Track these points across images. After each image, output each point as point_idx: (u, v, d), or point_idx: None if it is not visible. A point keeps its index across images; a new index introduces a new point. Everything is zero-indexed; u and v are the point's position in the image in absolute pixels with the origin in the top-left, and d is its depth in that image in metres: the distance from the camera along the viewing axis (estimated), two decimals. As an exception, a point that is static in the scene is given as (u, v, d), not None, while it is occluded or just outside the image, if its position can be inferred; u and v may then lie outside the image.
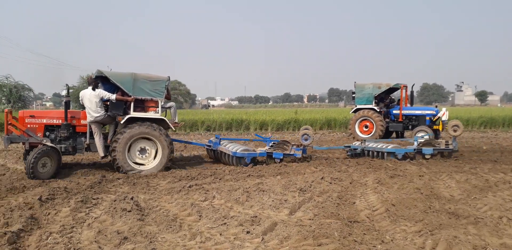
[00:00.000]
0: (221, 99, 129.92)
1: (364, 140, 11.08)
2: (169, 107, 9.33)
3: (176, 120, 9.43)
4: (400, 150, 9.88)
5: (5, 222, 4.70)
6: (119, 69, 8.86)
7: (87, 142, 8.27)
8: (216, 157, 10.16)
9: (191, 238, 4.29)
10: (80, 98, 8.30)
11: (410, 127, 15.08)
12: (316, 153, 11.44)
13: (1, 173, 8.38)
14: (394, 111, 15.61)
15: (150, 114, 8.48)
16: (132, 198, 5.77)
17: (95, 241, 4.14)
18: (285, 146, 9.78)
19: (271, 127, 21.13)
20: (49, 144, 7.68)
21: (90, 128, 8.30)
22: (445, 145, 10.17)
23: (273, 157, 9.38)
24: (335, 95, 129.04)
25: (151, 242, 4.12)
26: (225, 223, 4.73)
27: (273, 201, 5.69)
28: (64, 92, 9.01)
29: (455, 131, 10.35)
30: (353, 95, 16.30)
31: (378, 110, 15.18)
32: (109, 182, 7.27)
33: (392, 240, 4.26)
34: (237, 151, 9.04)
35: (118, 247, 4.00)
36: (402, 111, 15.24)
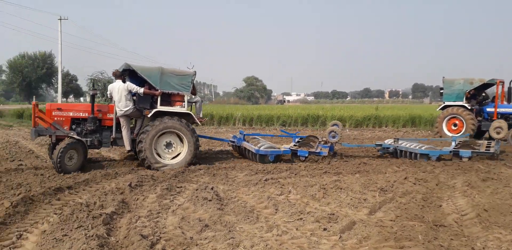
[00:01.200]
0: (297, 95, 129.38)
1: (397, 139, 10.24)
2: (195, 102, 9.23)
3: (201, 115, 9.28)
4: (434, 152, 9.12)
5: (100, 204, 5.17)
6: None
7: (113, 135, 8.19)
8: (241, 153, 9.99)
9: (268, 230, 4.33)
10: (108, 92, 8.28)
11: (507, 127, 13.68)
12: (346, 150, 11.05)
13: (96, 160, 9.27)
14: (488, 109, 14.29)
15: (177, 108, 8.37)
16: (212, 188, 6.00)
17: (179, 227, 4.37)
18: (311, 143, 9.30)
19: (349, 123, 20.58)
20: (75, 136, 7.63)
21: (117, 122, 8.21)
22: (486, 147, 9.20)
23: (298, 154, 9.00)
24: (419, 91, 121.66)
25: (230, 231, 4.24)
26: (301, 218, 4.71)
27: (351, 199, 5.53)
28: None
29: (498, 133, 9.20)
30: (441, 91, 15.22)
31: (469, 107, 14.01)
32: (192, 172, 7.64)
33: (483, 248, 3.91)
34: (260, 148, 8.78)
35: (200, 234, 4.18)
36: (498, 109, 13.88)
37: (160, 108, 8.06)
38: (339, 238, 4.10)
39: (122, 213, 4.96)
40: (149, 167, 7.90)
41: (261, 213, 4.99)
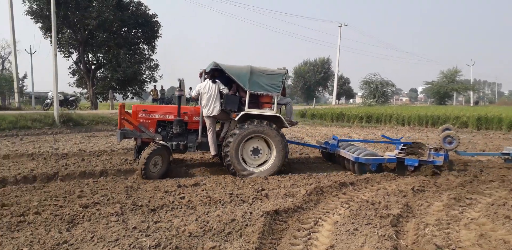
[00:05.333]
0: None
1: None
2: (285, 104, 8.28)
3: (292, 119, 8.18)
4: None
5: (385, 204, 5.17)
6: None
7: (199, 140, 7.69)
8: (333, 160, 9.00)
9: None
10: (196, 91, 7.63)
11: None
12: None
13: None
14: None
15: (266, 111, 7.51)
16: (513, 206, 5.03)
17: (477, 244, 3.84)
18: (419, 150, 7.95)
19: None
20: (161, 142, 7.18)
21: (203, 125, 7.71)
22: None
23: (406, 164, 7.61)
24: None
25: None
26: None
27: None
28: None
29: None
30: None
31: None
32: (482, 183, 6.70)
33: None
34: (360, 156, 7.51)
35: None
36: None
37: (247, 110, 7.32)
38: None
39: (407, 217, 4.81)
40: (234, 174, 7.28)
41: None
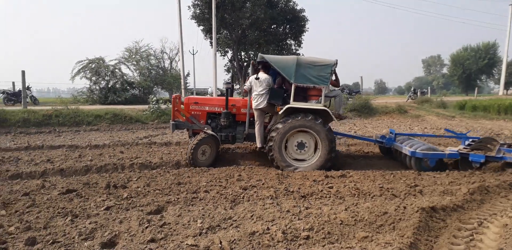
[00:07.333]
0: None
1: None
2: (334, 96, 7.79)
3: (341, 112, 7.76)
4: None
5: None
6: None
7: (246, 131, 7.78)
8: (391, 155, 8.55)
9: None
10: (248, 83, 7.55)
11: None
12: None
13: None
14: None
15: (312, 104, 7.18)
16: None
17: None
18: (489, 146, 7.09)
19: None
20: (209, 131, 7.47)
21: (251, 117, 7.75)
22: None
23: (470, 159, 6.86)
24: None
25: None
26: None
27: None
28: None
29: None
30: None
31: None
32: None
33: None
34: (417, 150, 7.08)
35: None
36: None
37: (292, 104, 7.09)
38: None
39: None
40: (278, 167, 7.13)
41: None
